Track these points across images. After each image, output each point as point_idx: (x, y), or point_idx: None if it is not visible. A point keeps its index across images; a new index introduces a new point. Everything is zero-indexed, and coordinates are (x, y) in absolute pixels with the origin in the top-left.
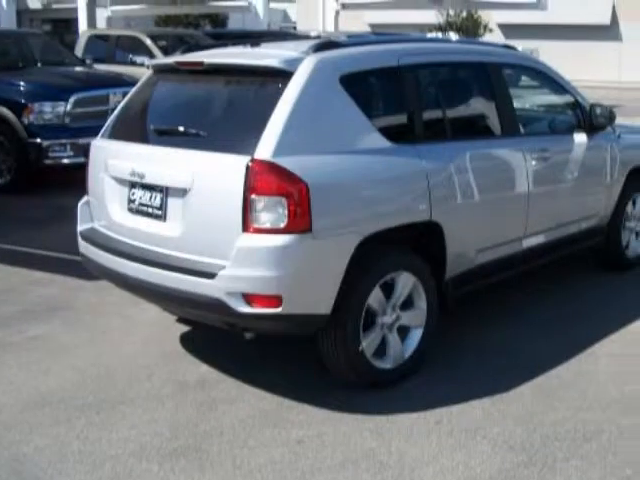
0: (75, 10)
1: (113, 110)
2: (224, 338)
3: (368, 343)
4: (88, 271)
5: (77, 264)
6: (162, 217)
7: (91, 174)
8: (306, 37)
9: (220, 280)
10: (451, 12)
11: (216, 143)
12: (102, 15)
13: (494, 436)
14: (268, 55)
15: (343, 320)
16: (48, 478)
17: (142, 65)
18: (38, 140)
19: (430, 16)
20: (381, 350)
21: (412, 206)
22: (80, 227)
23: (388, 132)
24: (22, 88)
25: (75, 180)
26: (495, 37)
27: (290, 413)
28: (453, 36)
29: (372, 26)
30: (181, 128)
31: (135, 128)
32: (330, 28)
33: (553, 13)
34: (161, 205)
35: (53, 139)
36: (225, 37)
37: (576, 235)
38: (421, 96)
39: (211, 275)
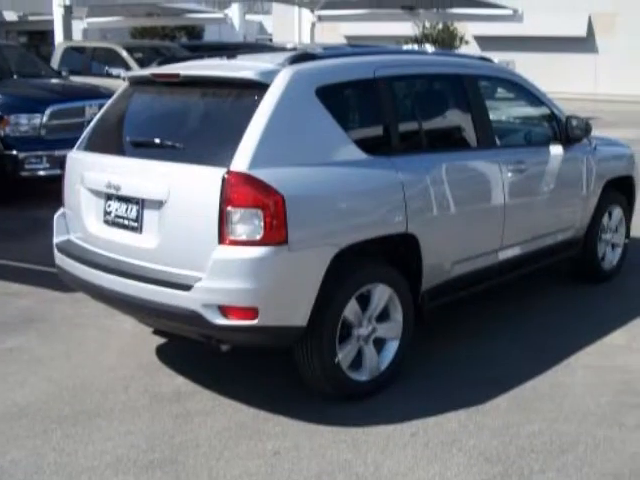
0: (51, 22)
1: (89, 122)
2: (200, 350)
3: (344, 355)
4: (64, 283)
5: (53, 276)
6: (138, 229)
7: (67, 186)
8: (282, 49)
9: (196, 292)
10: (427, 24)
11: (192, 155)
12: (78, 27)
13: (470, 448)
14: (244, 67)
15: (319, 332)
16: None
17: (118, 77)
18: (14, 152)
19: (406, 28)
20: (357, 362)
21: (388, 218)
22: (56, 239)
23: (364, 144)
24: None
25: (51, 192)
26: (471, 49)
27: (266, 425)
28: (429, 48)
29: (348, 38)
30: (157, 140)
31: (111, 140)
32: (306, 40)
33: (529, 25)
34: (137, 217)
35: (29, 151)
36: (201, 49)
37: (552, 247)
38: (397, 108)
39: (187, 287)
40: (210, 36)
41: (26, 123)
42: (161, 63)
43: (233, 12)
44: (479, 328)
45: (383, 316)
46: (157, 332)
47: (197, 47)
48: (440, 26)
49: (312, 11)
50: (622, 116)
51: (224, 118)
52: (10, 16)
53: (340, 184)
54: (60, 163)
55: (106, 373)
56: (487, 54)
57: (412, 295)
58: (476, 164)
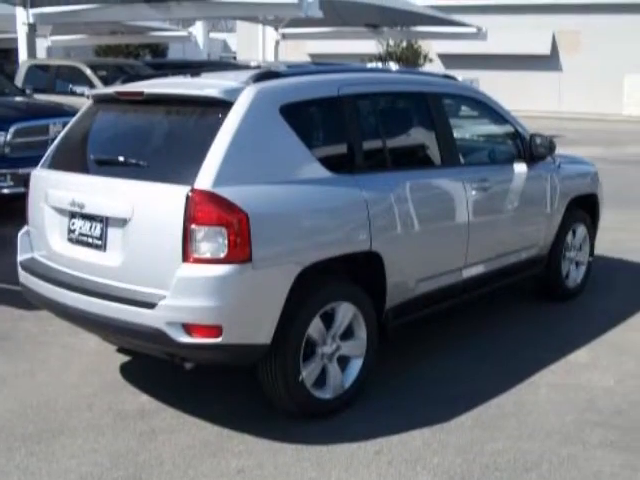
0: (15, 40)
1: (53, 140)
2: (164, 368)
3: (308, 373)
4: (28, 301)
5: (17, 294)
6: (102, 247)
7: (31, 204)
8: (246, 67)
9: (160, 310)
10: (391, 42)
11: (156, 173)
12: (42, 45)
13: (434, 466)
14: (208, 85)
15: (283, 350)
16: None
17: (82, 95)
18: None
19: (370, 46)
20: (321, 380)
21: (352, 236)
22: (20, 257)
23: (328, 162)
24: None
25: (15, 210)
26: (435, 67)
27: (230, 443)
28: (393, 66)
29: (312, 56)
30: (121, 158)
31: (75, 158)
32: (270, 58)
33: (493, 43)
34: (101, 235)
35: None
36: (165, 67)
37: (516, 265)
38: (361, 126)
39: (151, 305)
40: (174, 54)
41: None
42: (125, 81)
43: (197, 30)
44: (444, 346)
45: (347, 334)
46: (121, 350)
47: (161, 65)
48: (404, 44)
49: (276, 29)
50: (586, 134)
51: (188, 136)
52: None
53: (304, 202)
54: (24, 181)
55: (70, 391)
56: (451, 72)
57: (376, 313)
58: (440, 182)
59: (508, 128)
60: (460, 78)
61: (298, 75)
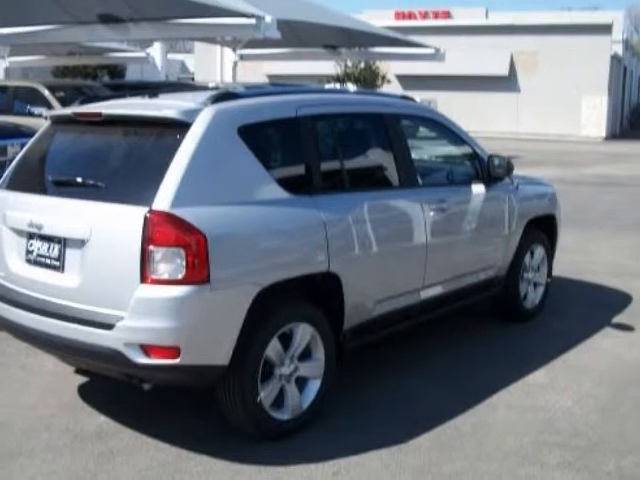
0: None
1: (11, 161)
2: (122, 389)
3: (266, 394)
4: None
5: None
6: (60, 268)
7: None
8: (204, 88)
9: (118, 331)
10: (349, 63)
11: (114, 194)
12: (0, 66)
13: None
14: (166, 106)
15: (241, 371)
16: None
17: (40, 116)
18: None
19: (328, 67)
20: (279, 401)
21: (310, 257)
22: None
23: (286, 183)
24: None
25: None
26: (393, 88)
27: (188, 464)
28: (351, 87)
29: (270, 77)
30: (79, 179)
31: (33, 179)
32: (228, 79)
33: (451, 64)
34: (59, 256)
35: None
36: (123, 88)
37: (474, 286)
38: (319, 147)
39: (109, 326)
40: (132, 75)
41: None
42: (83, 102)
43: (155, 51)
44: (402, 366)
45: (305, 355)
46: (79, 371)
47: (119, 86)
48: (362, 65)
49: (234, 50)
50: (544, 155)
51: (146, 157)
52: None
53: (262, 223)
54: None
55: (28, 412)
56: (409, 93)
57: (334, 334)
58: (398, 203)
59: (466, 149)
60: (418, 99)
61: (256, 96)
